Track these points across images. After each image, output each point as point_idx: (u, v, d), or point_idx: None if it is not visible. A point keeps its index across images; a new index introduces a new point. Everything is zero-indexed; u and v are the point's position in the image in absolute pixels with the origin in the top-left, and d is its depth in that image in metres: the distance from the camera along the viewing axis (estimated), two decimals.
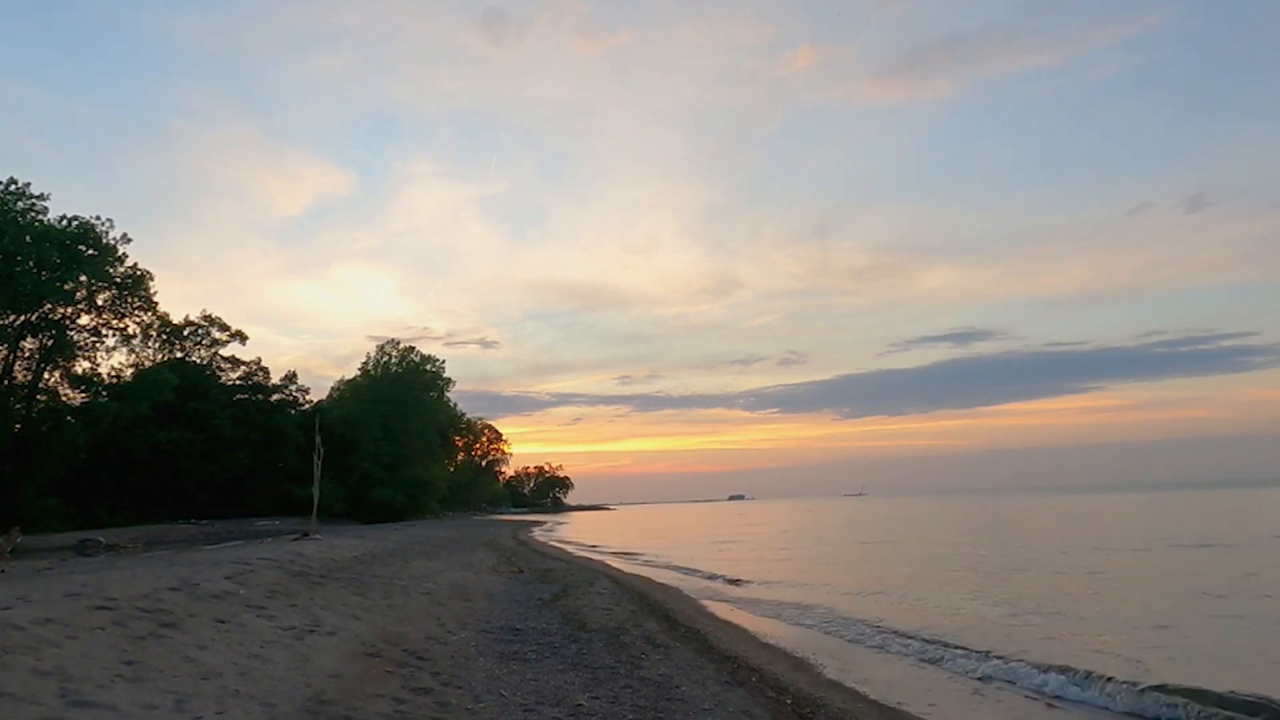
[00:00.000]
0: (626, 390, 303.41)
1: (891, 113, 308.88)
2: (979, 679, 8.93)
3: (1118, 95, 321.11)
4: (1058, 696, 8.07)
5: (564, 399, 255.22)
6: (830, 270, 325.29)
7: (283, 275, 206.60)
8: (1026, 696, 8.18)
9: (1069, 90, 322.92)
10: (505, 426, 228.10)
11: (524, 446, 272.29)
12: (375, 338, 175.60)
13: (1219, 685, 7.64)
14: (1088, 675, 8.34)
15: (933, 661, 9.86)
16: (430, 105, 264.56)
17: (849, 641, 11.37)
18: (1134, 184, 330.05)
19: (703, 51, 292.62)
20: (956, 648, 10.32)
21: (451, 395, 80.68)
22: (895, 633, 11.56)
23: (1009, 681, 8.71)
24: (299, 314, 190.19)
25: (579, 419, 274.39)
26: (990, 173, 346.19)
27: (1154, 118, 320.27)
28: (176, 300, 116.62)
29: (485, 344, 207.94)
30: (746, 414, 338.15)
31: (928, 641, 10.78)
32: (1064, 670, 8.62)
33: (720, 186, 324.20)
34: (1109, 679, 8.11)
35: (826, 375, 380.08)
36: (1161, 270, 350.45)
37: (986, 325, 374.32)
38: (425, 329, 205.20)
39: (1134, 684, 7.86)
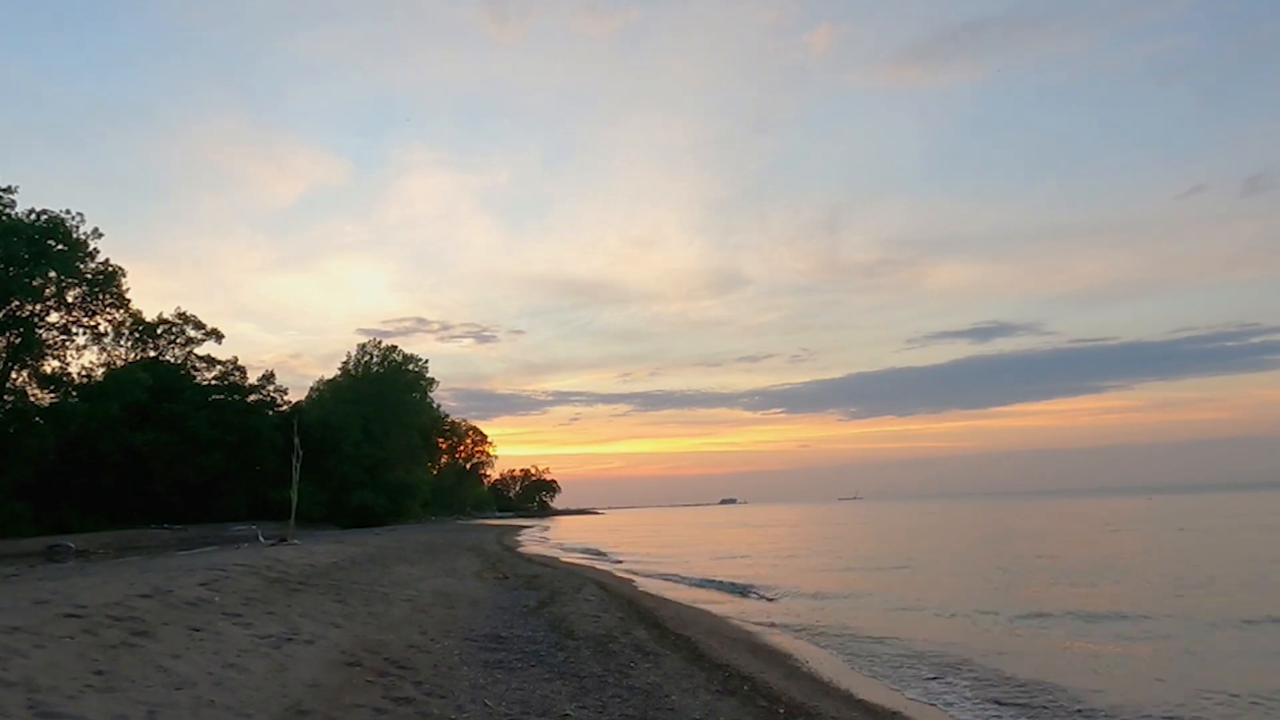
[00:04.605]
0: (627, 388, 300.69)
1: (910, 100, 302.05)
2: (965, 686, 8.94)
3: (1146, 82, 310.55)
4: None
5: (562, 398, 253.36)
6: (841, 266, 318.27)
7: (271, 269, 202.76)
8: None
9: (1096, 76, 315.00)
10: (500, 427, 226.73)
11: (516, 448, 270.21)
12: (366, 331, 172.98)
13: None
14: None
15: (931, 672, 9.86)
16: (430, 89, 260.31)
17: (843, 648, 11.34)
18: (1163, 174, 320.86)
19: (717, 32, 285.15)
20: (949, 656, 10.35)
21: (444, 394, 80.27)
22: (888, 639, 11.57)
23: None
24: (287, 309, 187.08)
25: (576, 418, 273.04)
26: (1014, 162, 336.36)
27: (1183, 104, 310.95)
28: (156, 295, 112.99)
29: (481, 340, 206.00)
30: (749, 414, 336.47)
31: (922, 652, 10.80)
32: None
33: (728, 178, 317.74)
34: None
35: (837, 373, 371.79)
36: (1196, 263, 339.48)
37: (1011, 319, 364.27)
38: (420, 320, 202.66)
39: None
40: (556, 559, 30.20)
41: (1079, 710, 7.80)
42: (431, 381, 75.07)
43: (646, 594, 17.43)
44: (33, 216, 40.63)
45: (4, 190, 39.82)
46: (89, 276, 42.53)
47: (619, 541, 47.93)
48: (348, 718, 5.84)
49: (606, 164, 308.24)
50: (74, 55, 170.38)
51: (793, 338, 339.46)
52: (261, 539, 31.51)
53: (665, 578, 22.38)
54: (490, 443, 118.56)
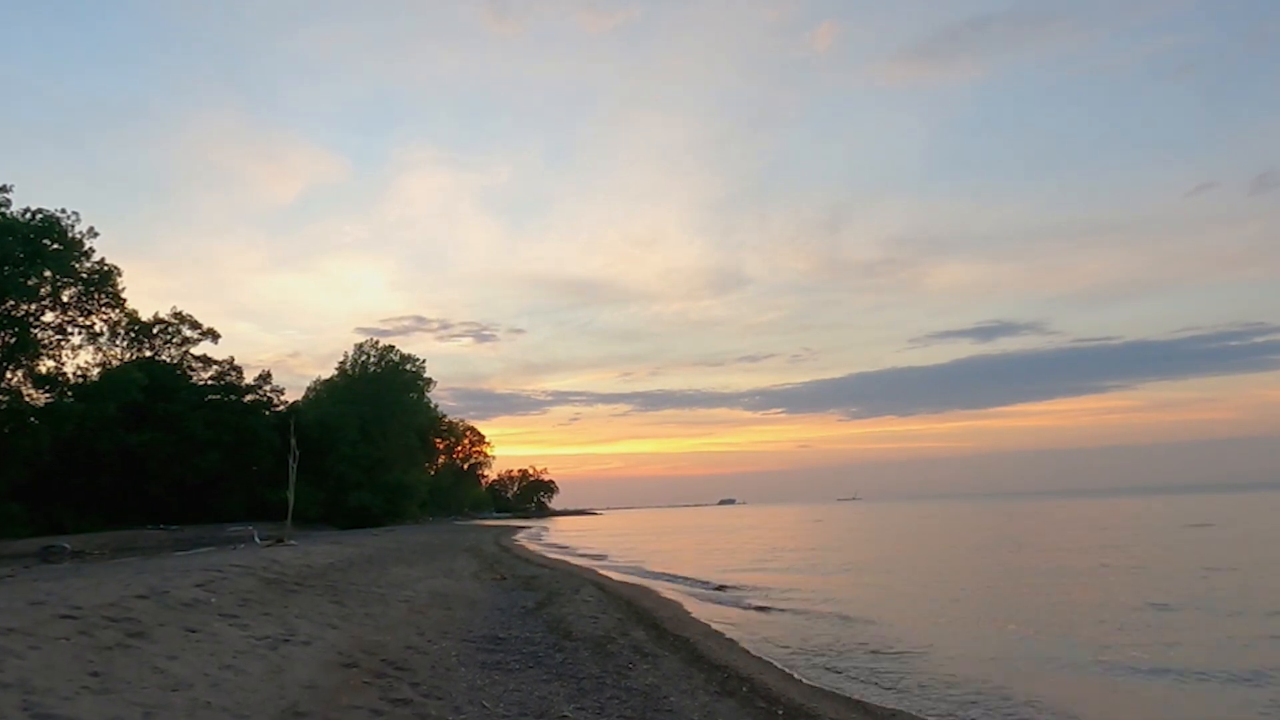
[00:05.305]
0: (627, 388, 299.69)
1: (912, 98, 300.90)
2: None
3: (1152, 80, 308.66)
4: None
5: (561, 398, 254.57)
6: (842, 265, 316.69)
7: (270, 268, 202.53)
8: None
9: (1100, 74, 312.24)
10: (499, 426, 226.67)
11: (515, 449, 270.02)
12: (365, 330, 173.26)
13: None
14: None
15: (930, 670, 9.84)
16: (430, 87, 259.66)
17: (839, 649, 11.32)
18: (1169, 172, 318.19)
19: (718, 30, 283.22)
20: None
21: (443, 394, 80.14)
22: (887, 640, 11.56)
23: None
24: (286, 309, 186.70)
25: (576, 418, 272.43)
26: (1017, 160, 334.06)
27: (1189, 102, 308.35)
28: (153, 295, 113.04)
29: (480, 339, 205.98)
30: (749, 414, 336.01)
31: (917, 651, 10.80)
32: None
33: (729, 177, 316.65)
34: None
35: (838, 373, 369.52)
36: (1201, 262, 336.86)
37: (1014, 318, 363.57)
38: (419, 319, 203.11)
39: None
40: (554, 560, 30.15)
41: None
42: (429, 381, 75.03)
43: (645, 594, 17.40)
44: (28, 215, 40.47)
45: None
46: (84, 276, 42.37)
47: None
48: (345, 719, 5.81)
49: (607, 163, 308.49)
50: (71, 52, 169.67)
51: (793, 337, 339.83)
52: (257, 539, 31.42)
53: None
54: (488, 443, 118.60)
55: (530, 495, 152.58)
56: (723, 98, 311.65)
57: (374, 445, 64.77)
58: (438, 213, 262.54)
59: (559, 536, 55.38)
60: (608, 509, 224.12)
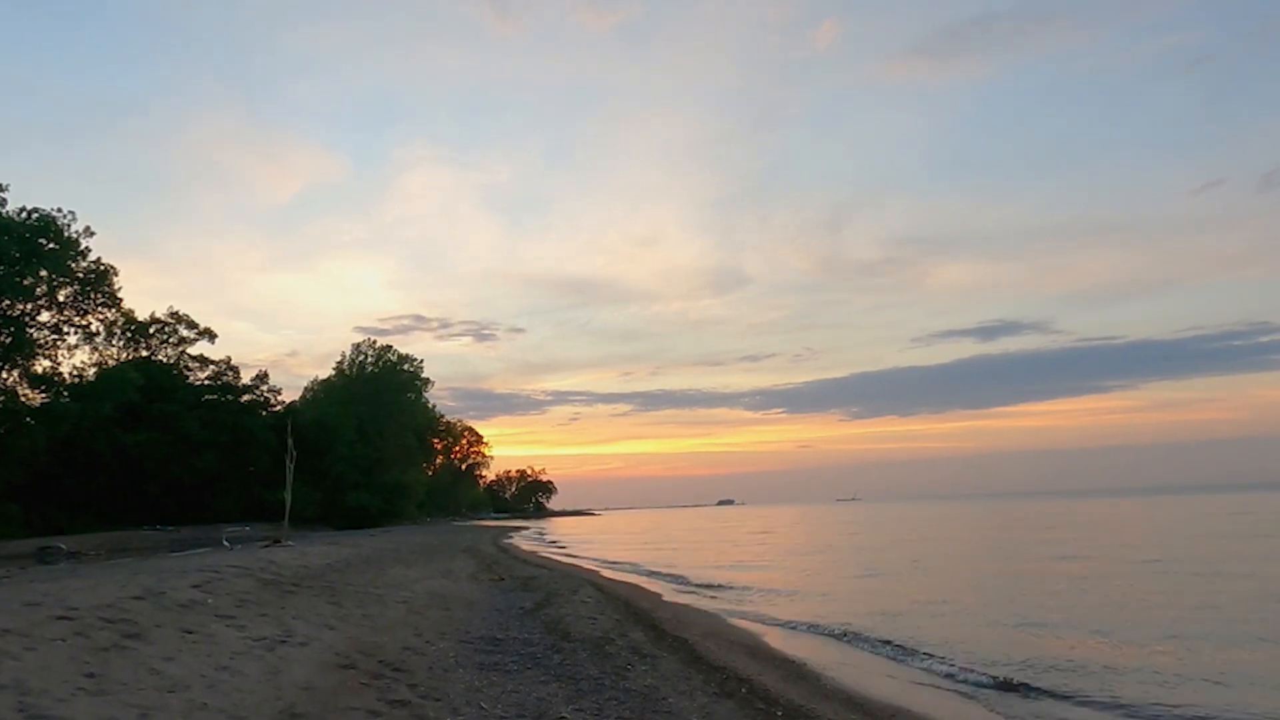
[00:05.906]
0: (627, 388, 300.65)
1: (914, 97, 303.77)
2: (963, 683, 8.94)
3: (1157, 77, 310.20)
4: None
5: (561, 397, 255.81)
6: (843, 264, 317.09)
7: (268, 267, 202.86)
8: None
9: (1105, 72, 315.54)
10: (498, 426, 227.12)
11: (514, 449, 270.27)
12: (364, 330, 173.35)
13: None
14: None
15: (923, 669, 9.85)
16: (431, 85, 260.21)
17: (839, 651, 11.33)
18: (1174, 170, 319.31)
19: (719, 27, 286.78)
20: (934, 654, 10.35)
21: (442, 393, 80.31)
22: (888, 641, 11.56)
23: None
24: (284, 308, 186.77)
25: (575, 418, 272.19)
26: (1021, 159, 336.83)
27: (1195, 100, 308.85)
28: (151, 294, 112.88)
29: (480, 339, 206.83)
30: (749, 414, 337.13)
31: (921, 651, 10.80)
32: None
33: (730, 175, 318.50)
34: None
35: (839, 373, 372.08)
36: (1207, 261, 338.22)
37: (1017, 318, 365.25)
38: (418, 318, 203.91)
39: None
40: (553, 561, 30.13)
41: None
42: (426, 381, 75.03)
43: (643, 594, 17.40)
44: (24, 215, 40.40)
45: None
46: (80, 275, 42.33)
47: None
48: None
49: (608, 161, 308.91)
50: (69, 49, 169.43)
51: (794, 337, 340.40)
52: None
53: None
54: (486, 443, 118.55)
55: (529, 496, 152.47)
56: (723, 97, 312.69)
57: (371, 445, 64.71)
58: (437, 212, 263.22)
59: (557, 539, 55.36)
60: (606, 509, 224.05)
